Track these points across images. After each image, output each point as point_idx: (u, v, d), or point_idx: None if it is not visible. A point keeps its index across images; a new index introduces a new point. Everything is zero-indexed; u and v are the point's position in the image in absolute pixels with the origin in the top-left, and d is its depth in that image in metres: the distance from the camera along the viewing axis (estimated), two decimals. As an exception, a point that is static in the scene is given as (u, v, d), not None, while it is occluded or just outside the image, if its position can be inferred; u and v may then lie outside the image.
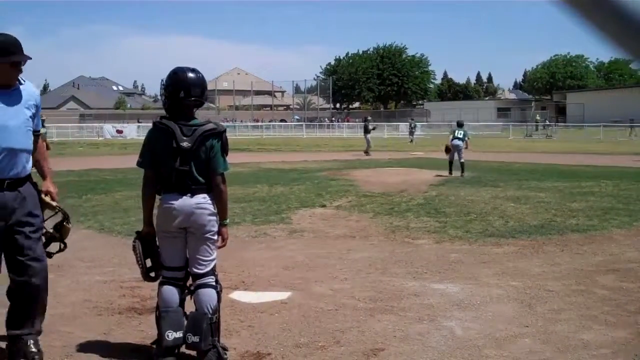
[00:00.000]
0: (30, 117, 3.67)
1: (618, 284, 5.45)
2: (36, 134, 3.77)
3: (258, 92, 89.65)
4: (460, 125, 16.49)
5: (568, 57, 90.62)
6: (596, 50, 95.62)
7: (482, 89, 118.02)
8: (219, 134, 3.69)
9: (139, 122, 51.43)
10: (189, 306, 3.82)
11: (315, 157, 22.58)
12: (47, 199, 3.82)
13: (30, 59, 3.61)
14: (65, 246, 4.04)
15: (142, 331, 4.29)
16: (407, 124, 41.49)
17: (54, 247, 3.95)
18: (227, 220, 3.83)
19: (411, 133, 37.66)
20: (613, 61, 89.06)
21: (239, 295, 5.17)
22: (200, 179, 3.65)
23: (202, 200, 3.64)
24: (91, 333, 4.26)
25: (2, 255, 3.62)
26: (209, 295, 3.66)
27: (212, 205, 3.68)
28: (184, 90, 3.63)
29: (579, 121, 57.05)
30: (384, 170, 16.80)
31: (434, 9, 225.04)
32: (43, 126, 5.89)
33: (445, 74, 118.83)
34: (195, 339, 3.57)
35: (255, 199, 10.96)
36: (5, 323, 3.74)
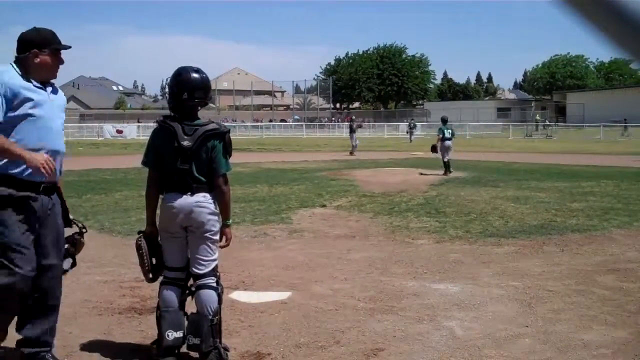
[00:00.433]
0: (64, 118, 3.60)
1: (618, 284, 5.45)
2: None
3: (258, 92, 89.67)
4: (445, 121, 16.57)
5: (568, 57, 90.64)
6: (596, 50, 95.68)
7: (482, 89, 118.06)
8: (222, 135, 3.68)
9: (139, 122, 51.46)
10: (191, 307, 3.82)
11: (315, 157, 22.57)
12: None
13: (70, 47, 3.46)
14: (75, 263, 3.95)
15: (142, 331, 4.29)
16: (407, 123, 41.51)
17: (66, 262, 3.88)
18: (230, 221, 3.83)
19: (410, 133, 37.63)
20: (613, 61, 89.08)
21: (239, 295, 5.17)
22: (201, 178, 3.65)
23: (202, 199, 3.64)
24: (91, 333, 4.26)
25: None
26: (209, 296, 3.66)
27: (212, 205, 3.67)
28: (187, 92, 3.64)
29: (579, 121, 57.08)
30: (384, 170, 16.80)
31: (434, 9, 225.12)
32: None
33: (445, 74, 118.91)
34: (196, 340, 3.57)
35: (255, 199, 10.96)
36: (21, 342, 3.54)
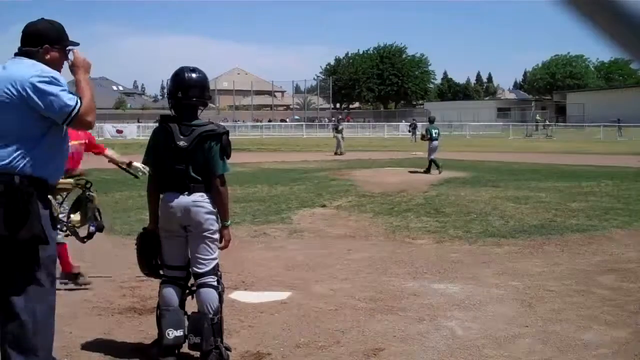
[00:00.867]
0: None
1: (618, 284, 5.45)
2: None
3: (258, 92, 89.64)
4: (432, 121, 16.83)
5: (568, 57, 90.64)
6: (596, 50, 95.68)
7: (482, 89, 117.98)
8: (218, 136, 3.68)
9: (139, 122, 51.43)
10: (192, 306, 3.82)
11: (315, 157, 22.56)
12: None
13: (79, 44, 3.19)
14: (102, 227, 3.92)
15: (142, 331, 4.29)
16: (407, 123, 41.48)
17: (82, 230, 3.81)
18: (229, 222, 3.83)
19: (414, 132, 37.63)
20: (613, 61, 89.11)
21: (239, 295, 5.17)
22: (198, 178, 3.65)
23: (199, 198, 3.65)
24: (91, 333, 4.26)
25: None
26: (209, 295, 3.66)
27: (209, 204, 3.68)
28: (181, 91, 3.68)
29: (579, 121, 57.07)
30: (384, 170, 16.80)
31: (434, 9, 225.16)
32: None
33: (445, 74, 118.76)
34: (197, 339, 3.58)
35: (255, 199, 10.96)
36: None
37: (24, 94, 2.80)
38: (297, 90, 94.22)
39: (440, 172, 15.09)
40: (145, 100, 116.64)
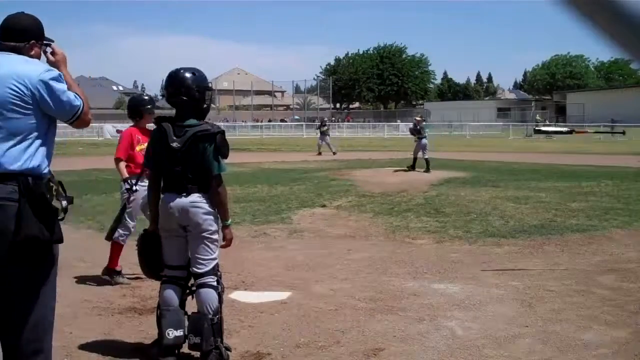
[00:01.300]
0: None
1: (618, 284, 5.45)
2: None
3: (258, 92, 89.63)
4: (424, 120, 17.21)
5: (568, 57, 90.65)
6: (596, 50, 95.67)
7: (482, 89, 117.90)
8: (212, 136, 3.65)
9: (139, 122, 51.37)
10: (192, 307, 3.82)
11: (315, 157, 22.57)
12: None
13: (54, 41, 3.08)
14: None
15: (142, 331, 4.29)
16: (407, 123, 41.41)
17: None
18: (229, 222, 3.82)
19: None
20: (613, 61, 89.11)
21: (239, 295, 5.17)
22: (194, 178, 3.65)
23: (197, 199, 3.65)
24: (91, 333, 4.26)
25: None
26: (209, 295, 3.66)
27: (207, 204, 3.68)
28: (165, 91, 3.78)
29: (579, 121, 57.03)
30: (384, 170, 16.80)
31: (434, 9, 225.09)
32: None
33: (445, 74, 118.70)
34: (197, 339, 3.58)
35: (255, 199, 10.96)
36: None
37: (35, 92, 2.75)
38: (297, 90, 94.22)
39: (412, 170, 15.85)
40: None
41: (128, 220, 5.66)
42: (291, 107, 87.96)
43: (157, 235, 3.78)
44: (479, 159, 21.04)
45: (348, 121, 63.62)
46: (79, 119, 2.90)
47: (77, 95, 2.89)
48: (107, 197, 11.42)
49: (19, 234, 2.66)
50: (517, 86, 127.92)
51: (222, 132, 3.74)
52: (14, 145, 2.74)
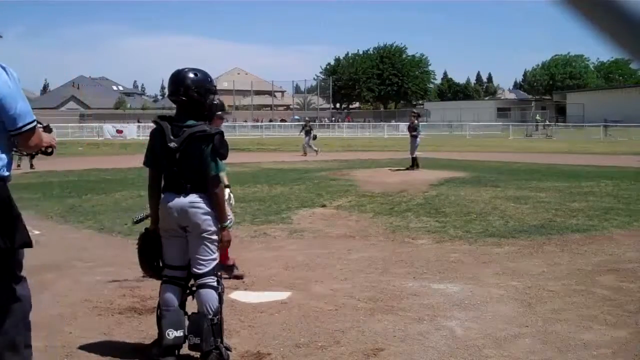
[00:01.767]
0: None
1: (618, 284, 5.45)
2: None
3: (258, 92, 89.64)
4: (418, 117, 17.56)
5: (568, 57, 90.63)
6: (596, 50, 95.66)
7: (482, 89, 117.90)
8: (210, 137, 3.64)
9: (139, 122, 51.40)
10: (192, 307, 3.82)
11: (315, 157, 22.57)
12: None
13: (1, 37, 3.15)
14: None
15: (142, 331, 4.29)
16: (407, 124, 41.36)
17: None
18: (227, 223, 3.81)
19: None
20: (613, 61, 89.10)
21: (239, 295, 5.17)
22: (193, 178, 3.65)
23: (196, 199, 3.65)
24: (91, 333, 4.26)
25: None
26: (209, 295, 3.66)
27: (207, 205, 3.67)
28: (168, 90, 3.77)
29: (579, 121, 57.05)
30: (384, 170, 16.81)
31: (434, 9, 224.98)
32: None
33: (445, 74, 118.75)
34: (197, 340, 3.58)
35: (255, 199, 10.97)
36: None
37: None
38: (297, 90, 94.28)
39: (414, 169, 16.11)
40: (145, 100, 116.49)
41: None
42: (291, 107, 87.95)
43: (157, 235, 3.78)
44: (479, 159, 21.05)
45: (349, 121, 63.64)
46: (25, 134, 2.85)
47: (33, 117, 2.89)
48: (107, 197, 11.42)
49: None
50: (517, 86, 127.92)
51: (221, 133, 3.72)
52: None
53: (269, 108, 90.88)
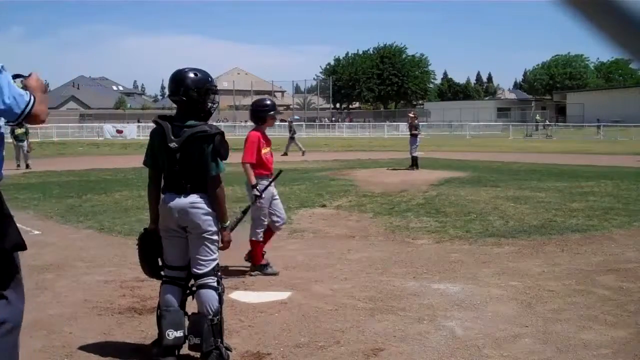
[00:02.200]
0: None
1: (618, 284, 5.45)
2: None
3: (258, 92, 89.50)
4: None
5: (568, 57, 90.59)
6: (596, 50, 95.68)
7: (482, 89, 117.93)
8: (210, 137, 3.64)
9: (139, 122, 51.42)
10: (192, 307, 3.82)
11: (315, 157, 22.56)
12: None
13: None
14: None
15: (142, 331, 4.29)
16: (407, 124, 41.37)
17: None
18: (227, 223, 3.81)
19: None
20: (613, 61, 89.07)
21: (239, 295, 5.18)
22: (193, 179, 3.65)
23: (197, 199, 3.64)
24: (91, 333, 4.26)
25: None
26: (209, 296, 3.66)
27: (207, 205, 3.67)
28: (168, 89, 3.77)
29: (579, 121, 57.04)
30: (384, 170, 16.81)
31: (434, 9, 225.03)
32: None
33: (445, 74, 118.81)
34: (197, 340, 3.58)
35: (255, 199, 10.95)
36: None
37: None
38: (297, 90, 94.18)
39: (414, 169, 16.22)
40: (145, 100, 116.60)
41: (262, 218, 5.93)
42: (291, 107, 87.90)
43: (157, 235, 3.78)
44: (479, 159, 21.04)
45: (350, 121, 63.65)
46: (30, 116, 2.73)
47: (27, 92, 2.74)
48: (107, 197, 11.41)
49: None
50: (517, 86, 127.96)
51: (221, 133, 3.72)
52: None
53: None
